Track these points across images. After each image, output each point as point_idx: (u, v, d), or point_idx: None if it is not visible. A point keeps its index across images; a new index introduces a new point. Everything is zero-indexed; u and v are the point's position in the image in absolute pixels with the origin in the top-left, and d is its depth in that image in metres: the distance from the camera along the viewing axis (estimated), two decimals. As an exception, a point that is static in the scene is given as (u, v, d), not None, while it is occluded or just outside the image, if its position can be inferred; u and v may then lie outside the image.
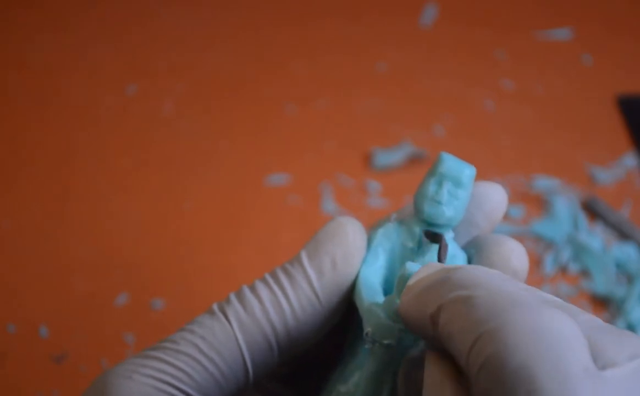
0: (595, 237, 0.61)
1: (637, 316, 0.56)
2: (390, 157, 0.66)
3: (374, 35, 0.77)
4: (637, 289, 0.57)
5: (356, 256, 0.34)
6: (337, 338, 0.36)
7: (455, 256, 0.34)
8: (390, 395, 0.33)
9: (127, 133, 0.68)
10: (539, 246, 0.61)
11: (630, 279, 0.58)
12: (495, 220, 0.36)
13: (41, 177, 0.65)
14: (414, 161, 0.66)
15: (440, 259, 0.33)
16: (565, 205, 0.63)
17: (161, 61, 0.74)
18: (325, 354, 0.37)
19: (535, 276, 0.59)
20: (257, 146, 0.68)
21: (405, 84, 0.73)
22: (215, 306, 0.34)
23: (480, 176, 0.36)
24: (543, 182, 0.65)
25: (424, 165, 0.65)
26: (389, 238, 0.35)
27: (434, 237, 0.34)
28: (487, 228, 0.36)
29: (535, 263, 0.60)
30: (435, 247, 0.34)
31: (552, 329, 0.26)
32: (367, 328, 0.32)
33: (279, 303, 0.33)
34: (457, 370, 0.28)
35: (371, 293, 0.33)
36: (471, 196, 0.35)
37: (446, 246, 0.33)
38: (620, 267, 0.59)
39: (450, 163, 0.34)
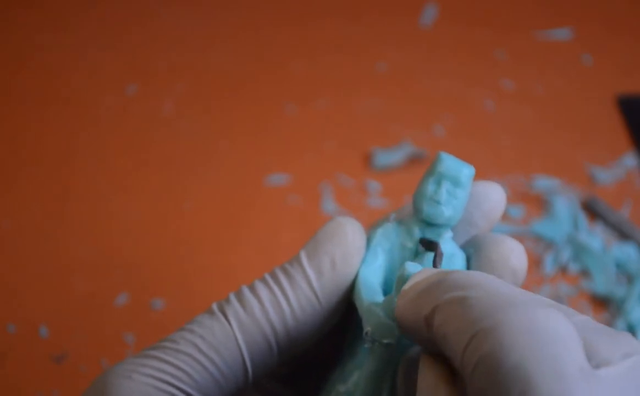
0: (595, 237, 0.61)
1: (637, 316, 0.56)
2: (390, 157, 0.66)
3: (374, 35, 0.77)
4: (637, 289, 0.57)
5: (355, 256, 0.34)
6: (337, 338, 0.36)
7: (454, 255, 0.34)
8: (390, 394, 0.33)
9: (127, 133, 0.68)
10: (539, 246, 0.61)
11: (630, 279, 0.58)
12: (494, 219, 0.36)
13: (41, 177, 0.65)
14: (414, 161, 0.66)
15: (435, 266, 0.33)
16: (565, 205, 0.63)
17: (161, 61, 0.74)
18: (324, 354, 0.37)
19: (535, 276, 0.59)
20: (257, 146, 0.68)
21: (405, 84, 0.73)
22: (214, 306, 0.34)
23: (480, 176, 0.36)
24: (543, 182, 0.65)
25: (424, 165, 0.65)
26: (388, 238, 0.35)
27: (430, 245, 0.34)
28: (485, 227, 0.36)
29: (535, 263, 0.60)
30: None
31: (548, 328, 0.26)
32: (367, 328, 0.32)
33: (278, 303, 0.33)
34: (451, 373, 0.28)
35: (370, 292, 0.33)
36: (470, 195, 0.35)
37: (441, 254, 0.33)
38: (620, 267, 0.59)
39: (449, 163, 0.34)
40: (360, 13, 0.79)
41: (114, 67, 0.74)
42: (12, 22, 0.78)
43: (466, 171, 0.34)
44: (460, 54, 0.76)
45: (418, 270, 0.32)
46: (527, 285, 0.58)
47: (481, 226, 0.36)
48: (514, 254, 0.34)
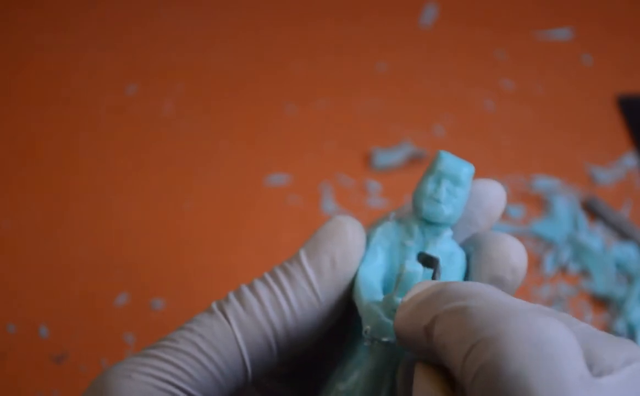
0: (595, 237, 0.61)
1: (637, 316, 0.56)
2: (390, 157, 0.66)
3: (374, 35, 0.77)
4: (637, 289, 0.57)
5: (355, 254, 0.34)
6: (337, 338, 0.36)
7: (454, 253, 0.34)
8: (390, 393, 0.33)
9: (127, 133, 0.68)
10: (539, 246, 0.61)
11: (630, 279, 0.58)
12: (493, 217, 0.36)
13: (41, 177, 0.65)
14: (414, 161, 0.66)
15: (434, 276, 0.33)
16: (565, 205, 0.63)
17: (161, 61, 0.74)
18: (324, 354, 0.37)
19: (535, 276, 0.59)
20: (257, 146, 0.68)
21: (405, 84, 0.73)
22: (214, 305, 0.34)
23: (480, 176, 0.36)
24: (543, 182, 0.65)
25: (424, 165, 0.65)
26: (387, 236, 0.35)
27: (428, 261, 0.34)
28: (485, 225, 0.36)
29: (535, 263, 0.60)
30: (434, 246, 0.34)
31: (548, 337, 0.26)
32: (366, 326, 0.32)
33: (278, 302, 0.33)
34: (448, 383, 0.28)
35: (370, 291, 0.33)
36: (470, 193, 0.35)
37: (439, 272, 0.33)
38: (620, 267, 0.59)
39: (449, 161, 0.34)
40: (360, 13, 0.79)
41: (114, 67, 0.74)
42: (12, 22, 0.78)
43: (466, 169, 0.34)
44: (460, 54, 0.76)
45: (417, 269, 0.32)
46: (527, 285, 0.58)
47: (481, 224, 0.35)
48: (514, 252, 0.34)
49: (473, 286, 0.29)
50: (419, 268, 0.32)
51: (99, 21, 0.78)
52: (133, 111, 0.70)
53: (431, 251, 0.34)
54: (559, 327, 0.26)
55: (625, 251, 0.60)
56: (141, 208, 0.63)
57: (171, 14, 0.79)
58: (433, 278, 0.33)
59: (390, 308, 0.32)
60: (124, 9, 0.79)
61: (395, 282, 0.32)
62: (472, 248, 0.35)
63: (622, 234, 0.61)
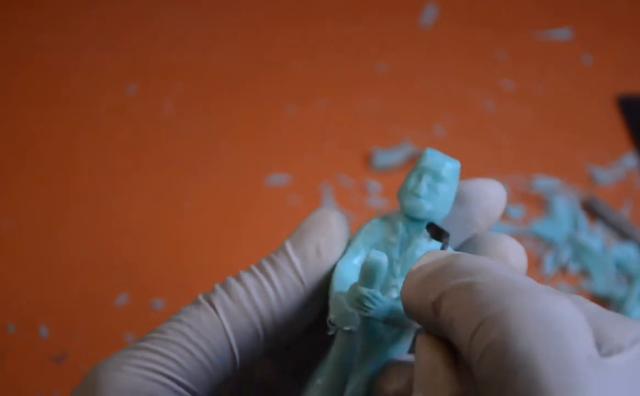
0: (595, 237, 0.61)
1: (637, 316, 0.56)
2: (390, 157, 0.66)
3: (374, 35, 0.77)
4: (637, 289, 0.57)
5: (339, 244, 0.35)
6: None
7: None
8: (352, 380, 0.33)
9: (127, 133, 0.68)
10: (539, 246, 0.61)
11: (630, 279, 0.58)
12: (493, 217, 0.35)
13: (41, 177, 0.65)
14: (414, 161, 0.66)
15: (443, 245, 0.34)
16: (565, 205, 0.63)
17: (161, 61, 0.74)
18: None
19: (535, 276, 0.59)
20: (257, 146, 0.68)
21: (405, 84, 0.73)
22: (200, 296, 0.34)
23: (480, 176, 0.36)
24: (543, 182, 0.65)
25: (424, 165, 0.65)
26: (372, 233, 0.35)
27: (438, 234, 0.34)
28: (485, 226, 0.36)
29: (535, 263, 0.60)
30: (417, 243, 0.34)
31: (556, 315, 0.25)
32: (331, 316, 0.33)
33: (263, 289, 0.34)
34: (452, 356, 0.28)
35: (342, 286, 0.34)
36: (468, 193, 0.35)
37: (447, 246, 0.33)
38: (620, 267, 0.59)
39: (432, 157, 0.34)
40: (360, 13, 0.79)
41: (114, 67, 0.74)
42: (12, 22, 0.78)
43: (449, 165, 0.34)
44: (460, 54, 0.76)
45: (382, 258, 0.32)
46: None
47: (481, 225, 0.35)
48: (513, 253, 0.34)
49: (480, 260, 0.29)
50: (383, 257, 0.32)
51: (99, 21, 0.78)
52: (133, 111, 0.70)
53: (414, 248, 0.34)
54: (568, 305, 0.26)
55: (625, 251, 0.60)
56: (141, 208, 0.63)
57: (171, 14, 0.79)
58: (442, 245, 0.33)
59: (354, 297, 0.32)
60: (124, 9, 0.79)
61: (360, 271, 0.32)
62: (471, 248, 0.35)
63: (622, 234, 0.61)
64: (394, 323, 0.33)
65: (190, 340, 0.33)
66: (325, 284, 0.35)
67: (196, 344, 0.33)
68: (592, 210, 0.63)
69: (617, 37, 0.77)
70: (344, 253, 0.35)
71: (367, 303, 0.32)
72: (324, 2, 0.80)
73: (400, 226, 0.35)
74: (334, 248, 0.35)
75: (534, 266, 0.59)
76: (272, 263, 0.34)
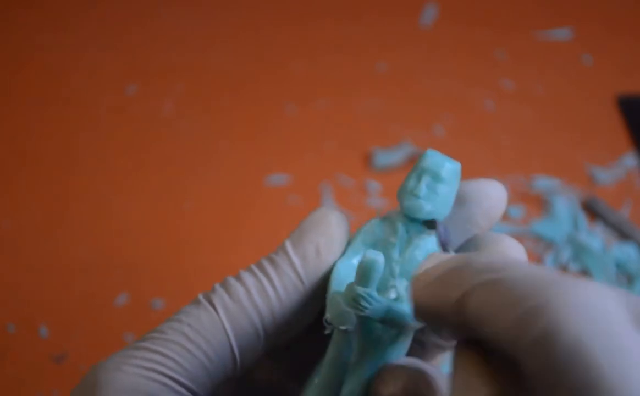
0: (595, 237, 0.61)
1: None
2: (390, 157, 0.66)
3: (374, 35, 0.77)
4: (637, 289, 0.57)
5: (339, 244, 0.35)
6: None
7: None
8: (349, 380, 0.34)
9: (127, 133, 0.68)
10: (539, 246, 0.61)
11: (630, 279, 0.58)
12: (494, 217, 0.35)
13: (41, 177, 0.65)
14: (414, 161, 0.66)
15: (444, 248, 0.33)
16: (565, 205, 0.63)
17: (161, 61, 0.74)
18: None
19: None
20: (257, 146, 0.68)
21: (405, 84, 0.73)
22: (200, 296, 0.34)
23: (480, 176, 0.36)
24: (543, 182, 0.65)
25: (424, 165, 0.65)
26: (371, 233, 0.35)
27: (431, 224, 0.34)
28: (486, 226, 0.36)
29: (536, 263, 0.60)
30: (417, 243, 0.34)
31: (599, 303, 0.25)
32: (327, 315, 0.33)
33: (263, 288, 0.34)
34: (486, 358, 0.28)
35: (340, 286, 0.34)
36: (469, 193, 0.35)
37: (449, 242, 0.33)
38: (620, 267, 0.59)
39: (432, 158, 0.34)
40: (360, 13, 0.79)
41: (114, 67, 0.74)
42: (12, 22, 0.78)
43: (448, 165, 0.34)
44: (460, 54, 0.76)
45: (379, 258, 0.32)
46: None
47: (482, 225, 0.35)
48: (514, 253, 0.34)
49: (501, 258, 0.28)
50: (380, 257, 0.32)
51: (99, 21, 0.78)
52: (133, 111, 0.70)
53: (414, 249, 0.34)
54: (609, 293, 0.26)
55: (625, 251, 0.60)
56: (141, 208, 0.63)
57: (171, 14, 0.79)
58: (443, 247, 0.33)
59: (350, 297, 0.32)
60: (124, 9, 0.79)
61: (357, 271, 0.32)
62: (472, 249, 0.35)
63: (622, 234, 0.61)
64: (391, 323, 0.33)
65: (190, 339, 0.33)
66: (324, 283, 0.35)
67: (196, 344, 0.33)
68: (592, 210, 0.63)
69: (617, 37, 0.77)
70: (343, 252, 0.35)
71: (363, 303, 0.32)
72: (324, 2, 0.80)
73: (400, 226, 0.35)
74: (334, 247, 0.35)
75: (534, 266, 0.59)
76: (272, 262, 0.34)
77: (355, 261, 0.35)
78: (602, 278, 0.58)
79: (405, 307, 0.33)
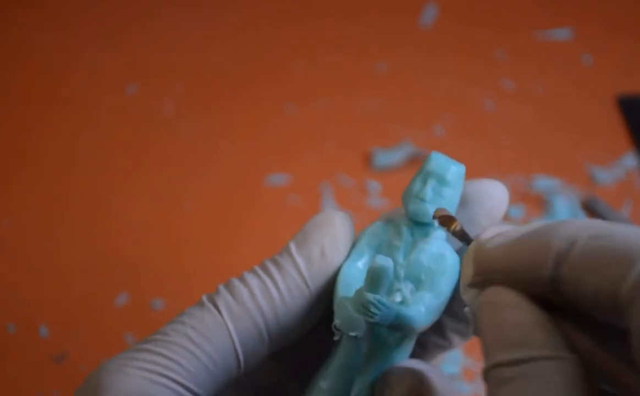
0: (596, 237, 0.61)
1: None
2: (390, 157, 0.66)
3: (374, 35, 0.77)
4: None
5: (344, 245, 0.35)
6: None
7: (442, 256, 0.34)
8: (356, 384, 0.33)
9: (127, 133, 0.68)
10: (539, 246, 0.61)
11: (630, 279, 0.58)
12: (496, 217, 0.35)
13: (41, 177, 0.65)
14: (414, 161, 0.66)
15: (466, 240, 0.33)
16: (565, 205, 0.63)
17: (161, 61, 0.74)
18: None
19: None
20: (257, 146, 0.68)
21: (405, 84, 0.73)
22: (204, 298, 0.34)
23: (480, 176, 0.36)
24: (543, 182, 0.65)
25: (424, 165, 0.65)
26: (376, 236, 0.35)
27: (447, 221, 0.34)
28: (488, 226, 0.36)
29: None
30: (422, 247, 0.34)
31: None
32: (336, 321, 0.33)
33: (267, 291, 0.33)
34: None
35: (347, 289, 0.34)
36: (471, 194, 0.35)
37: (466, 234, 0.33)
38: (621, 267, 0.59)
39: (437, 161, 0.34)
40: (360, 13, 0.79)
41: (114, 67, 0.74)
42: (12, 22, 0.78)
43: (454, 169, 0.34)
44: (460, 54, 0.76)
45: (388, 263, 0.32)
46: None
47: (484, 225, 0.35)
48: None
49: (591, 220, 0.29)
50: (389, 263, 0.32)
51: (99, 21, 0.78)
52: (133, 111, 0.70)
53: (419, 252, 0.34)
54: None
55: (625, 251, 0.60)
56: (141, 208, 0.63)
57: (171, 14, 0.79)
58: (461, 237, 0.33)
59: (359, 302, 0.32)
60: (124, 9, 0.79)
61: (366, 276, 0.32)
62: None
63: (622, 234, 0.61)
64: (398, 327, 0.33)
65: (194, 341, 0.32)
66: (330, 285, 0.34)
67: (199, 345, 0.32)
68: (592, 210, 0.63)
69: (617, 37, 0.77)
70: (348, 255, 0.35)
71: (373, 309, 0.32)
72: (324, 2, 0.80)
73: (405, 229, 0.35)
74: (339, 247, 0.34)
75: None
76: (276, 264, 0.34)
77: (360, 264, 0.35)
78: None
79: (412, 311, 0.33)
